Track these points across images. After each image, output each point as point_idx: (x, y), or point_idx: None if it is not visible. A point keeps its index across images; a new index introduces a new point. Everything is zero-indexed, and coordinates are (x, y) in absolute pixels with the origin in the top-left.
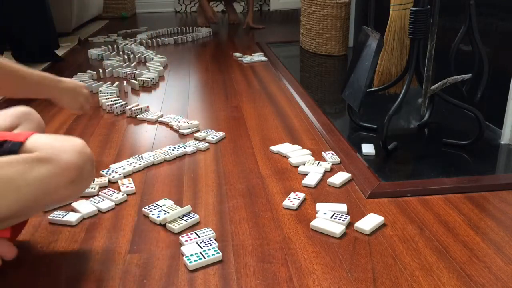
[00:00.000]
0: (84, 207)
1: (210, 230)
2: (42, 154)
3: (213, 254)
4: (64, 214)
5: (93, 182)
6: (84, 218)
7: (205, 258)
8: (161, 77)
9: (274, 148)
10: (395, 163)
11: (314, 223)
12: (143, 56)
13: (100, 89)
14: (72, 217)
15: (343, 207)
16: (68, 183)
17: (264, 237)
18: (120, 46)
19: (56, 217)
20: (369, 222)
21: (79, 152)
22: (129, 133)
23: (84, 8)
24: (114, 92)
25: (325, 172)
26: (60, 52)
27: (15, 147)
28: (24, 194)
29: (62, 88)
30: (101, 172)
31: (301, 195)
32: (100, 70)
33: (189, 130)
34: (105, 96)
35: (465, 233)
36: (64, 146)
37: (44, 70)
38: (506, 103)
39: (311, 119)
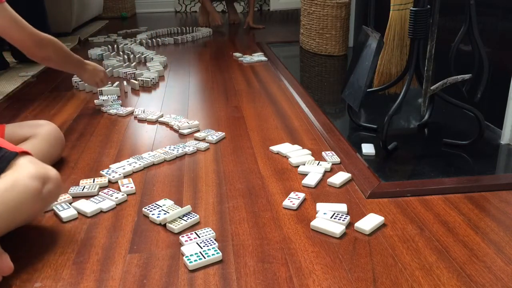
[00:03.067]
0: (86, 206)
1: (210, 230)
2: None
3: (213, 254)
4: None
5: (93, 182)
6: (86, 216)
7: (205, 258)
8: (161, 77)
9: (274, 148)
10: (395, 163)
11: (314, 223)
12: (143, 56)
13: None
14: (69, 212)
15: (343, 207)
16: (30, 199)
17: (264, 237)
18: (120, 46)
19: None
20: (369, 222)
21: (39, 176)
22: (129, 133)
23: (84, 8)
24: (114, 92)
25: (325, 172)
26: None
27: (10, 156)
28: None
29: (86, 68)
30: (101, 172)
31: (301, 195)
32: None
33: (189, 130)
34: (106, 95)
35: (465, 233)
36: (34, 168)
37: (44, 70)
38: (506, 103)
39: (311, 119)
